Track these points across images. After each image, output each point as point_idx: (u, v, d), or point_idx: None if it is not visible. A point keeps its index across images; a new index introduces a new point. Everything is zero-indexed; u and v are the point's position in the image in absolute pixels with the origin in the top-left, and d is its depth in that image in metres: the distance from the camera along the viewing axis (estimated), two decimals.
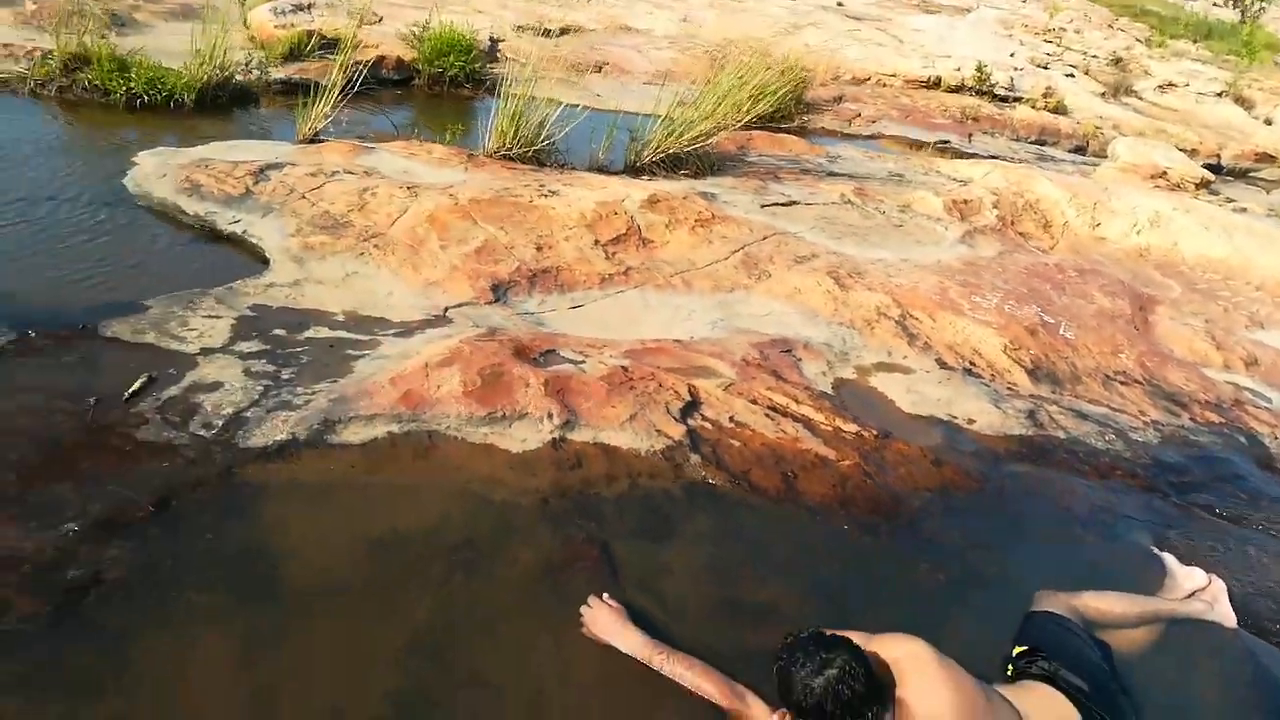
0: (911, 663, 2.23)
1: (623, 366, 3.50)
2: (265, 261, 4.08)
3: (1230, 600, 3.04)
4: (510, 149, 5.68)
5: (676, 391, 3.43)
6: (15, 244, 3.93)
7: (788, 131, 8.30)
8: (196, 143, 5.28)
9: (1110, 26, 18.63)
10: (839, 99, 9.84)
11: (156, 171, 4.67)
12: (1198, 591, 3.07)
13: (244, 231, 4.25)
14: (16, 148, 4.93)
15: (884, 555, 2.99)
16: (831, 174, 6.98)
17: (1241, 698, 2.76)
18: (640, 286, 4.39)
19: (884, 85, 10.88)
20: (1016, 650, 2.59)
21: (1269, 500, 3.84)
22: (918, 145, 9.30)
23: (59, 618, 2.22)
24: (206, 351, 3.31)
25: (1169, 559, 3.21)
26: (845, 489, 3.21)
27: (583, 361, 3.54)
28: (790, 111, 8.65)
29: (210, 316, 3.52)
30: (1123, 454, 3.86)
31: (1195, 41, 19.00)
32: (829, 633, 2.26)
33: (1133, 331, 5.09)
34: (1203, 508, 3.66)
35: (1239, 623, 2.98)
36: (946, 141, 9.61)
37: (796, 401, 3.56)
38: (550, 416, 3.18)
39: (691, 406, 3.41)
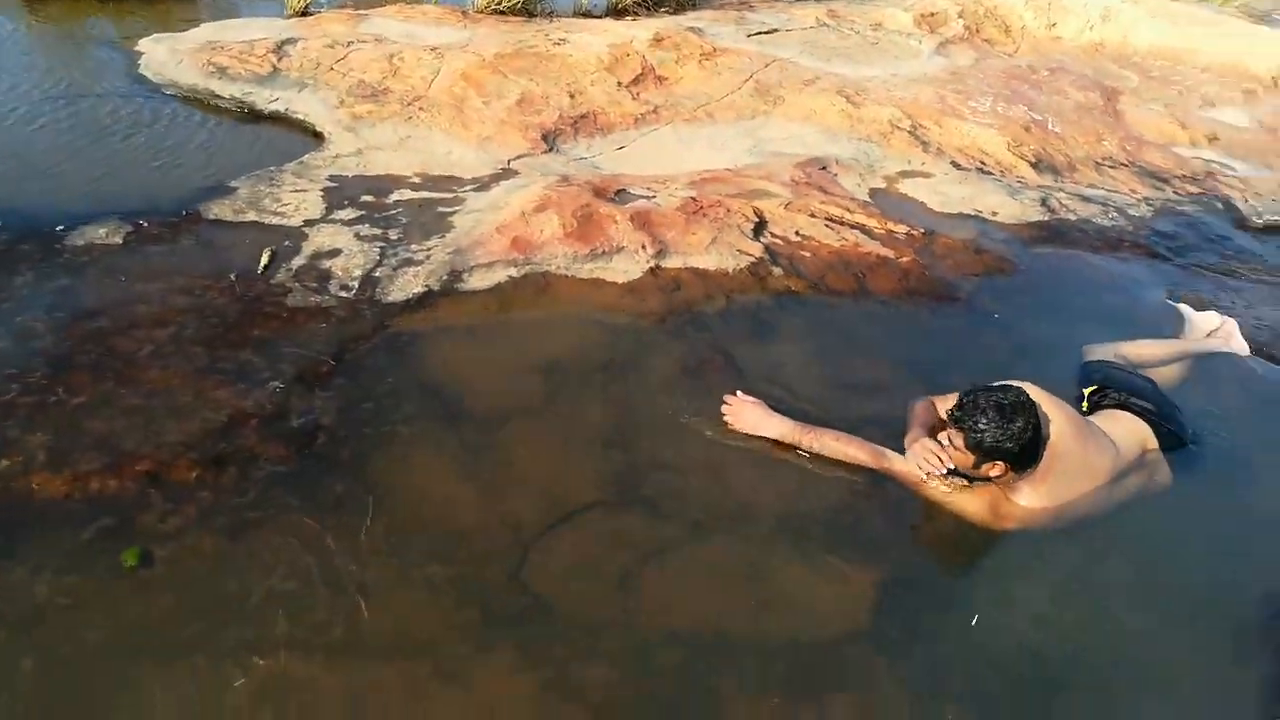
0: (1037, 399, 2.66)
1: (691, 197, 3.80)
2: (317, 135, 4.21)
3: (1241, 334, 3.58)
4: (500, 2, 5.72)
5: (744, 214, 3.76)
6: (74, 143, 3.98)
7: None
8: (183, 27, 5.24)
9: None
10: None
11: (171, 59, 4.67)
12: (1214, 331, 3.60)
13: (286, 109, 4.34)
14: (2, 49, 4.85)
15: (954, 331, 3.43)
16: None
17: (1257, 408, 3.31)
18: (671, 123, 4.63)
19: None
20: (1088, 390, 3.08)
21: (1250, 254, 4.38)
22: None
23: (304, 458, 2.53)
24: (310, 223, 3.51)
25: (1185, 308, 3.73)
26: (909, 281, 3.62)
27: (654, 196, 3.83)
28: None
29: (297, 191, 3.69)
30: (1125, 228, 4.34)
31: None
32: (1021, 388, 2.63)
33: (1109, 120, 5.53)
34: (1199, 265, 4.18)
35: (1251, 351, 3.53)
36: None
37: (849, 211, 3.92)
38: (644, 248, 3.49)
39: (761, 226, 3.74)
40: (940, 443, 2.61)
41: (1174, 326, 3.67)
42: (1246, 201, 4.83)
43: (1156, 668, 2.25)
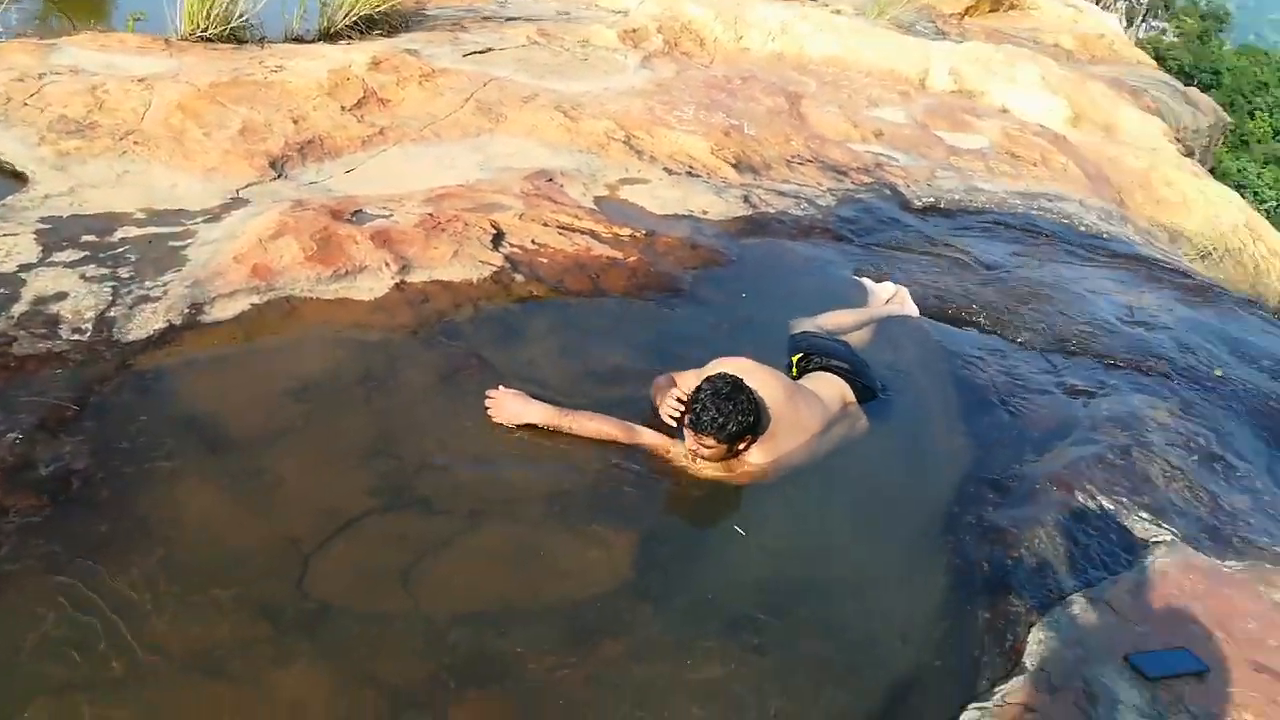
0: (744, 370, 3.08)
1: (429, 213, 3.97)
2: (19, 176, 3.97)
3: (912, 299, 4.26)
4: (206, 30, 5.58)
5: (482, 227, 3.98)
6: None
7: None
8: None
9: None
10: None
11: None
12: (891, 298, 4.25)
13: None
14: None
15: (682, 319, 3.83)
16: (509, 19, 7.44)
17: (926, 358, 3.95)
18: (399, 143, 4.76)
19: None
20: (795, 358, 3.57)
21: (915, 230, 5.16)
22: None
23: (61, 504, 2.47)
24: (26, 267, 3.34)
25: (867, 281, 4.37)
26: (637, 278, 3.99)
27: (391, 215, 3.96)
28: None
29: (5, 235, 3.49)
30: (816, 216, 4.97)
31: None
32: (728, 374, 3.00)
33: (794, 122, 6.24)
34: (876, 244, 4.88)
35: (920, 312, 4.19)
36: None
37: (578, 218, 4.24)
38: (388, 265, 3.63)
39: (499, 237, 3.98)
40: (691, 447, 2.94)
41: (860, 297, 4.28)
42: (909, 187, 5.66)
43: (866, 574, 2.71)
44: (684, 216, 4.62)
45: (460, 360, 3.31)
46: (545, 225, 4.12)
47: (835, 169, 5.66)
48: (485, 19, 7.29)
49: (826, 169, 5.63)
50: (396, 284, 3.58)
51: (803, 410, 3.16)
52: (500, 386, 3.10)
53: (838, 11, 10.35)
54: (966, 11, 12.67)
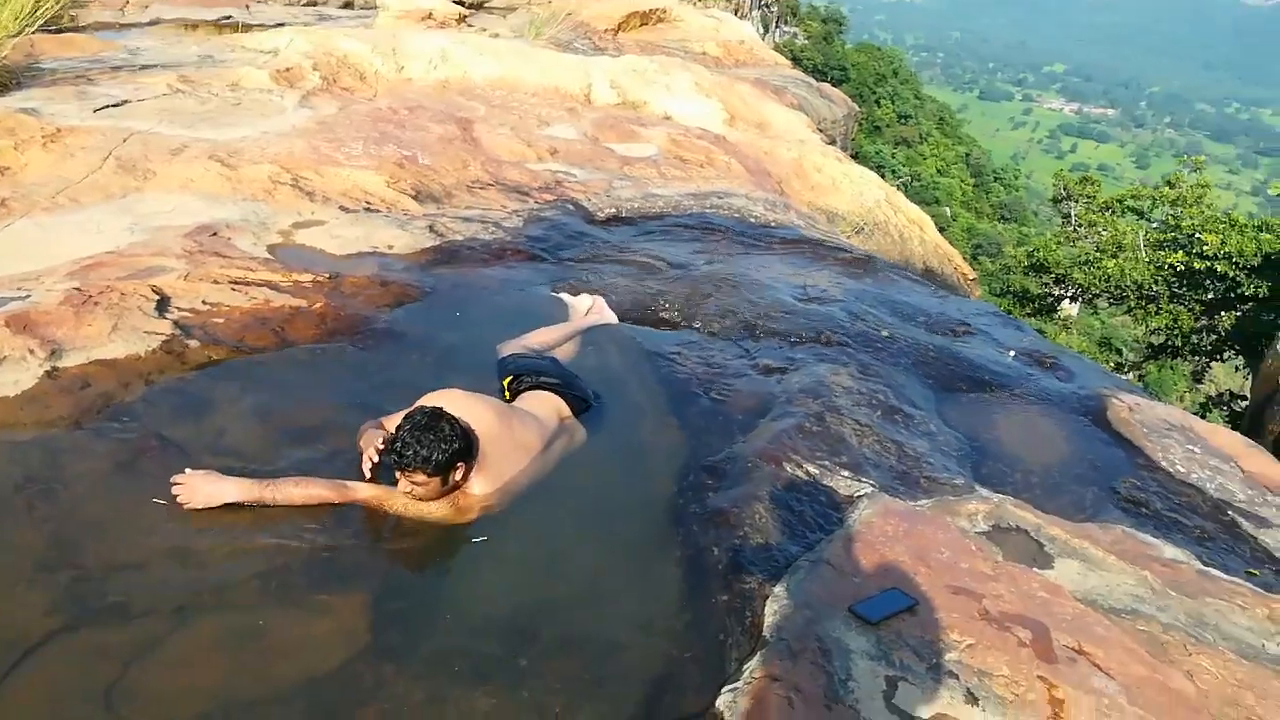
0: (452, 400, 3.01)
1: (75, 288, 3.54)
2: None
3: (610, 307, 4.37)
4: None
5: (143, 295, 3.61)
6: None
7: (61, 31, 7.72)
8: None
9: None
10: None
11: None
12: (590, 309, 4.34)
13: None
14: None
15: (382, 360, 3.68)
16: (144, 66, 6.85)
17: (630, 361, 4.07)
18: (28, 214, 4.21)
19: None
20: (505, 381, 3.54)
21: (604, 242, 5.31)
22: (198, 25, 9.26)
23: None
24: None
25: (566, 296, 4.44)
26: (327, 324, 3.79)
27: (28, 295, 3.49)
28: (58, 11, 7.97)
29: None
30: (505, 239, 4.98)
31: None
32: (426, 405, 2.90)
33: (469, 147, 6.23)
34: (568, 259, 4.97)
35: (619, 318, 4.32)
36: (229, 16, 9.68)
37: (252, 270, 3.96)
38: (32, 352, 3.19)
39: (164, 302, 3.63)
40: (405, 490, 2.82)
41: (561, 312, 4.34)
42: (590, 200, 5.83)
43: (604, 582, 2.74)
44: (369, 254, 4.46)
45: (138, 445, 2.97)
46: (216, 283, 3.81)
47: (517, 190, 5.71)
48: (115, 69, 6.65)
49: (508, 191, 5.66)
50: (47, 372, 3.16)
51: (519, 432, 3.14)
52: (188, 469, 2.81)
53: (496, 35, 10.49)
54: (619, 27, 13.29)
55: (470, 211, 5.20)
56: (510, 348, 3.84)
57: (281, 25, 9.15)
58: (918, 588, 2.54)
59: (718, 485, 3.09)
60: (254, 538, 2.66)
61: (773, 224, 6.32)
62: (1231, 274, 11.80)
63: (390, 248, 4.56)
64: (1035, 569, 2.81)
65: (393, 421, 3.00)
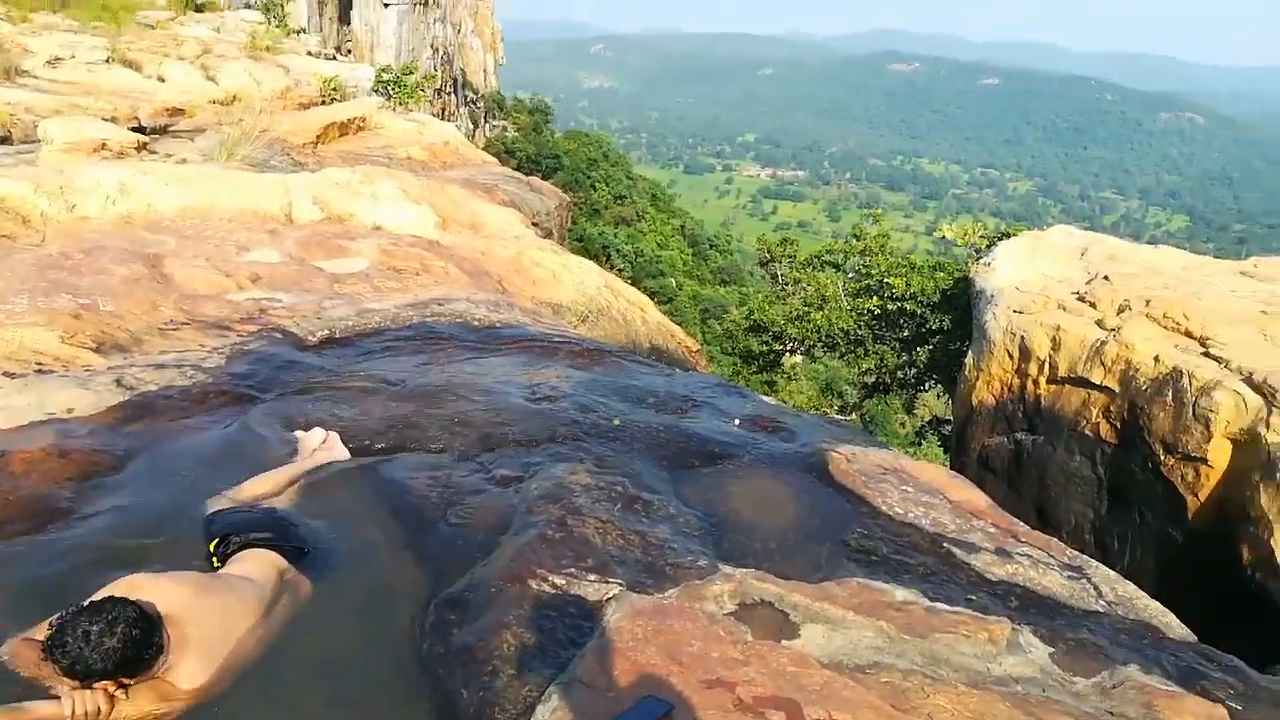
0: (132, 587, 2.67)
1: None
2: None
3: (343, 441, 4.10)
4: None
5: None
6: None
7: None
8: None
9: None
10: None
11: None
12: (321, 444, 4.06)
13: None
14: None
15: (64, 550, 3.15)
16: None
17: (358, 498, 3.80)
18: None
19: None
20: (211, 545, 3.21)
21: (318, 368, 5.04)
22: None
23: None
24: None
25: (297, 433, 4.12)
26: None
27: None
28: None
29: None
30: (207, 381, 4.61)
31: (56, 11, 19.24)
32: (72, 604, 2.53)
33: (159, 286, 5.76)
34: (284, 392, 4.66)
35: (350, 450, 4.06)
36: None
37: None
38: None
39: None
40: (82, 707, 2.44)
41: (282, 453, 4.03)
42: (299, 325, 5.54)
43: None
44: (43, 422, 3.96)
45: None
46: None
47: (217, 325, 5.33)
48: None
49: (207, 327, 5.27)
50: None
51: (229, 600, 2.84)
52: None
53: (183, 160, 9.91)
54: (319, 139, 12.99)
55: (164, 357, 4.78)
56: (217, 503, 3.50)
57: None
58: (673, 689, 2.51)
59: (461, 619, 2.93)
60: None
61: (498, 324, 6.30)
62: (919, 312, 13.12)
63: (70, 411, 4.08)
64: (783, 641, 2.88)
65: (39, 632, 2.60)
